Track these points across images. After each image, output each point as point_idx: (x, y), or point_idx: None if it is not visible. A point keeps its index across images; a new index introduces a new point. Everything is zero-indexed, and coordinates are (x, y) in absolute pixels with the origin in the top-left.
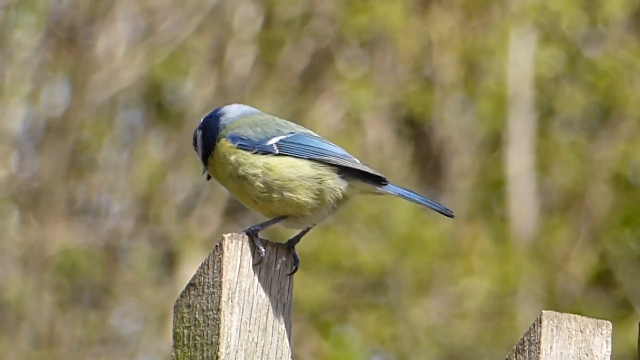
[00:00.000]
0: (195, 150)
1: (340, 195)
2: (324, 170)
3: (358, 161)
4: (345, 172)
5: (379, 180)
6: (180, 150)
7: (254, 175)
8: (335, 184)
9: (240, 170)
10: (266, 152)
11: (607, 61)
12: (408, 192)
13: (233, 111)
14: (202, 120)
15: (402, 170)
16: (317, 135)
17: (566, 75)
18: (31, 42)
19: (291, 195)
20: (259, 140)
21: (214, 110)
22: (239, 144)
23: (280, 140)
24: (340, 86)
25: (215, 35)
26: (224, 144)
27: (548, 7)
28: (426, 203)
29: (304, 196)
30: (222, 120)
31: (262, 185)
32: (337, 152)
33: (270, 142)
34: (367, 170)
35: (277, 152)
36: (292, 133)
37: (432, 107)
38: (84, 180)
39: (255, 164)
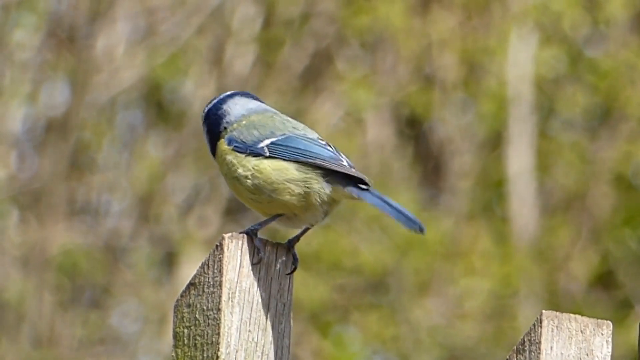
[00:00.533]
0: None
1: (326, 198)
2: (310, 173)
3: (346, 163)
4: (331, 175)
5: (363, 183)
6: (180, 150)
7: (245, 177)
8: (320, 187)
9: (233, 171)
10: (257, 154)
11: (609, 61)
12: (382, 204)
13: (234, 112)
14: (205, 112)
15: (403, 170)
16: (311, 136)
17: (567, 75)
18: (31, 42)
19: (278, 197)
20: (252, 143)
21: (218, 102)
22: (234, 146)
23: (271, 143)
24: (340, 86)
25: (215, 35)
26: (222, 145)
27: (549, 7)
28: (396, 218)
29: (290, 198)
30: (224, 122)
31: (251, 187)
32: (324, 155)
33: (261, 145)
34: (351, 173)
35: (267, 154)
36: (283, 135)
37: (432, 107)
38: (84, 180)
39: (246, 166)
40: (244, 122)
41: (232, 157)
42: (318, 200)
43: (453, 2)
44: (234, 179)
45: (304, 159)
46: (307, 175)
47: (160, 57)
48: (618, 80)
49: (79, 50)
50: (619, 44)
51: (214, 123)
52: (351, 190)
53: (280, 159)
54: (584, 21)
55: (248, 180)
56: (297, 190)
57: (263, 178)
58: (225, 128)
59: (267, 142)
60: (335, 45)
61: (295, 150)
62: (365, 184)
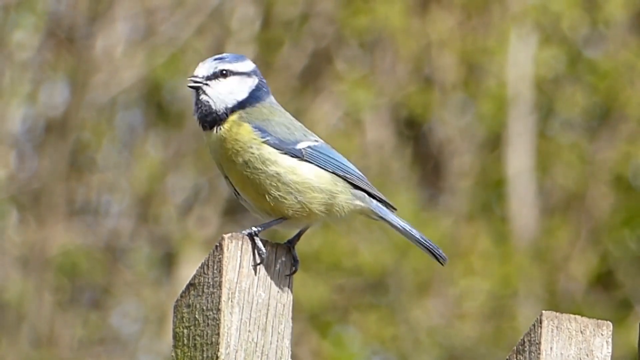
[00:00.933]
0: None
1: (347, 212)
2: (341, 187)
3: (370, 183)
4: (357, 191)
5: (386, 207)
6: (180, 150)
7: (277, 173)
8: (346, 202)
9: (260, 164)
10: (293, 155)
11: (608, 62)
12: (410, 228)
13: (265, 94)
14: (219, 67)
15: (402, 171)
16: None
17: (567, 75)
18: (31, 42)
19: (306, 202)
20: (288, 142)
21: (261, 78)
22: (267, 140)
23: (309, 147)
24: (339, 86)
25: (214, 35)
26: (248, 131)
27: (548, 7)
28: (423, 243)
29: (316, 206)
30: (256, 96)
31: (280, 185)
32: (357, 172)
33: (298, 147)
34: (380, 196)
35: (304, 157)
36: (317, 141)
37: (432, 107)
38: (84, 180)
39: (280, 163)
40: (267, 112)
41: (261, 150)
42: (339, 212)
43: (452, 2)
44: (256, 171)
45: (341, 172)
46: (338, 188)
47: (160, 57)
48: (618, 81)
49: (78, 50)
50: (618, 44)
51: (255, 92)
52: (377, 209)
53: (316, 165)
54: (583, 21)
55: (280, 178)
56: (327, 199)
57: (297, 179)
58: (244, 106)
59: (304, 145)
60: (335, 45)
61: (332, 161)
62: (390, 207)
